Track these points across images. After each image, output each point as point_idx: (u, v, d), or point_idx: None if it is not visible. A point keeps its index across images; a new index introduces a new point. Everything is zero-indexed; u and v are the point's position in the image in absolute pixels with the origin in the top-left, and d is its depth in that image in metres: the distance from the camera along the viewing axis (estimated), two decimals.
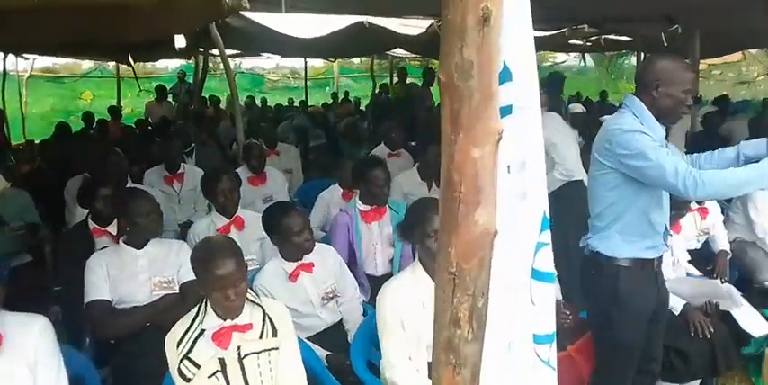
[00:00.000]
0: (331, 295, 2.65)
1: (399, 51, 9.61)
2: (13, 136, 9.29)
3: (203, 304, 1.91)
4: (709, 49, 6.48)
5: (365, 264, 3.29)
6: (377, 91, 11.04)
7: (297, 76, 18.01)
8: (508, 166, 1.04)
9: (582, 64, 14.70)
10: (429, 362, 2.07)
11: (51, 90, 14.71)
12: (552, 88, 4.75)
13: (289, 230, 2.50)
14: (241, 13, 5.78)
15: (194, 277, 2.45)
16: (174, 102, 10.25)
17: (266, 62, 17.66)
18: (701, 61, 7.75)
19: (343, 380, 2.29)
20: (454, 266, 1.02)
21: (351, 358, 2.34)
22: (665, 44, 6.73)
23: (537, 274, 1.03)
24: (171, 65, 15.27)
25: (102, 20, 4.85)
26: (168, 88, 10.18)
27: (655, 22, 6.45)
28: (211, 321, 1.88)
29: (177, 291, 2.58)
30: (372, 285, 3.15)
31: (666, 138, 2.23)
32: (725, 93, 9.40)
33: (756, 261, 3.41)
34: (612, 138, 2.11)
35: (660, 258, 2.31)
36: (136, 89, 11.94)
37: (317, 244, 2.66)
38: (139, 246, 2.60)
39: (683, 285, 2.88)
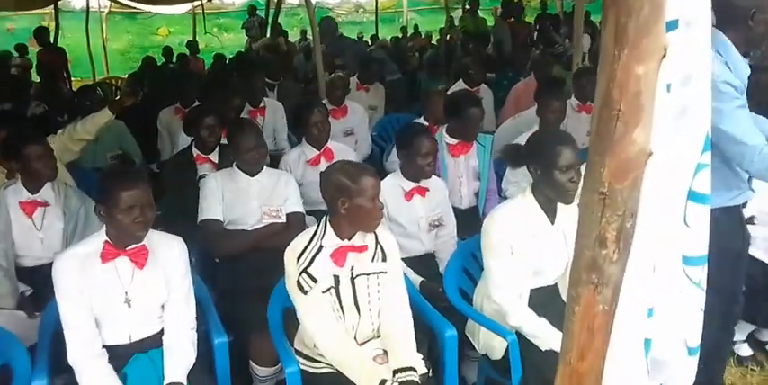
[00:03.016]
0: (437, 223, 2.73)
1: None
2: (97, 71, 9.66)
3: (323, 223, 1.98)
4: None
5: (451, 197, 3.30)
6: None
7: (362, 10, 17.64)
8: (668, 85, 1.00)
9: None
10: (531, 289, 2.13)
11: (128, 26, 15.01)
12: None
13: (418, 151, 2.64)
14: None
15: (300, 209, 2.70)
16: (247, 37, 10.30)
17: None
18: None
19: (435, 306, 2.36)
20: (605, 186, 1.01)
21: (444, 285, 2.40)
22: None
23: (694, 196, 1.01)
24: (237, 0, 15.21)
25: None
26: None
27: None
28: (330, 240, 1.95)
29: (284, 221, 2.69)
30: (458, 218, 3.17)
31: None
32: None
33: None
34: None
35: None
36: (207, 26, 12.05)
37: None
38: (252, 174, 2.70)
39: None
